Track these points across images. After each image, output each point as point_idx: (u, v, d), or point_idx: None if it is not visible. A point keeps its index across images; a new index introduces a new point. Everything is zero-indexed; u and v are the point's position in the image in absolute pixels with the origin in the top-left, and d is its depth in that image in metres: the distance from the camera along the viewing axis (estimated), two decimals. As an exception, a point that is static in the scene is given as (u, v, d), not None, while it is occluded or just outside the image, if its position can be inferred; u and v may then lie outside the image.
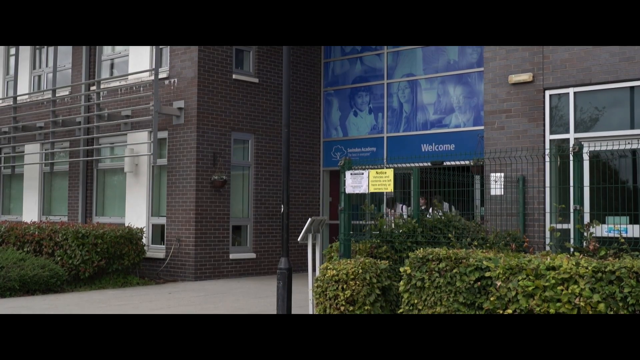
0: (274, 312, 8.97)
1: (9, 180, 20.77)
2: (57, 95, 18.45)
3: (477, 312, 6.52)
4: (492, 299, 6.35)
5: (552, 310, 5.97)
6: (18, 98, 19.73)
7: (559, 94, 11.28)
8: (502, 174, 10.94)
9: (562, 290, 5.99)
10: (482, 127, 13.50)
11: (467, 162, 11.87)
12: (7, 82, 20.97)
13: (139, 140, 16.27)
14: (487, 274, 6.46)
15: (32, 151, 19.29)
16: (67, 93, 18.49)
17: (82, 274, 14.02)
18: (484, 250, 7.21)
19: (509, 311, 6.21)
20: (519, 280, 6.20)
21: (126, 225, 15.70)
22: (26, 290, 12.97)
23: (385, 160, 14.48)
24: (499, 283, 6.34)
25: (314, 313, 8.88)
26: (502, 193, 11.09)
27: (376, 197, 10.88)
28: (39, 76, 20.19)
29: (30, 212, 19.32)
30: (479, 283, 6.55)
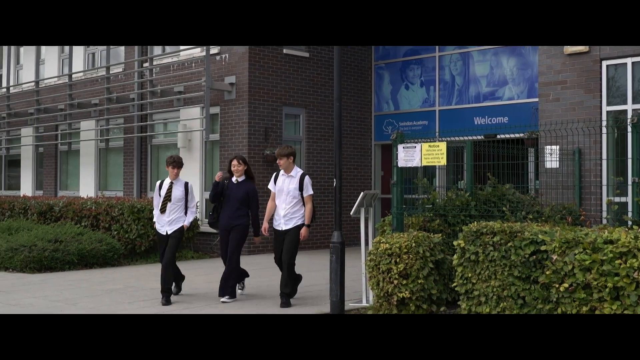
0: (327, 285, 9.00)
1: (66, 156, 21.19)
2: (111, 72, 18.70)
3: (532, 286, 6.46)
4: (547, 272, 6.28)
5: (609, 285, 5.88)
6: (73, 75, 20.05)
7: (615, 64, 11.02)
8: (558, 147, 10.75)
9: (620, 264, 5.89)
10: (536, 99, 13.29)
11: (521, 135, 11.69)
12: (63, 60, 21.31)
13: (192, 116, 16.42)
14: (543, 248, 6.38)
15: (88, 128, 19.63)
16: (120, 70, 18.73)
17: (138, 248, 14.28)
18: (539, 224, 7.11)
19: (565, 285, 6.13)
20: (575, 254, 6.11)
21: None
22: (84, 264, 13.27)
23: (437, 134, 14.35)
24: (555, 257, 6.25)
25: (367, 286, 8.89)
26: (558, 166, 10.91)
27: (429, 171, 10.80)
28: (93, 54, 20.47)
29: (86, 187, 19.69)
30: (534, 257, 6.47)
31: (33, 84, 21.72)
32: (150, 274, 12.17)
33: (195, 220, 14.94)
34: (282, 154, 9.31)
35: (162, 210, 9.66)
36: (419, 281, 7.44)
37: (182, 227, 9.70)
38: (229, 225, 9.58)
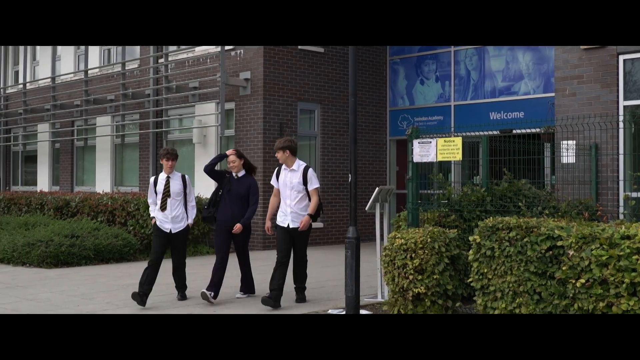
0: (342, 280, 9.00)
1: (82, 152, 21.30)
2: (126, 68, 18.78)
3: (549, 282, 6.43)
4: (564, 268, 6.24)
5: (626, 280, 5.84)
6: (89, 71, 20.15)
7: (632, 59, 10.94)
8: (574, 142, 10.69)
9: (637, 259, 5.85)
10: (552, 94, 13.21)
11: (537, 130, 11.64)
12: (78, 56, 21.41)
13: (207, 112, 16.46)
14: (559, 243, 6.34)
15: (104, 123, 19.72)
16: (136, 66, 18.79)
17: (191, 229, 14.32)
18: (556, 219, 7.07)
19: (582, 281, 6.10)
20: (592, 250, 6.07)
21: (195, 195, 15.93)
22: (100, 259, 13.34)
23: (452, 129, 14.31)
24: (571, 252, 6.22)
25: (383, 282, 8.89)
26: (574, 161, 10.84)
27: (444, 166, 10.77)
28: (109, 50, 20.55)
29: (102, 183, 19.80)
30: (550, 252, 6.44)
31: (49, 80, 21.84)
32: (165, 269, 12.19)
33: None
34: (278, 147, 8.94)
35: (163, 207, 9.13)
36: (435, 276, 7.42)
37: (188, 226, 9.31)
38: (232, 223, 9.19)
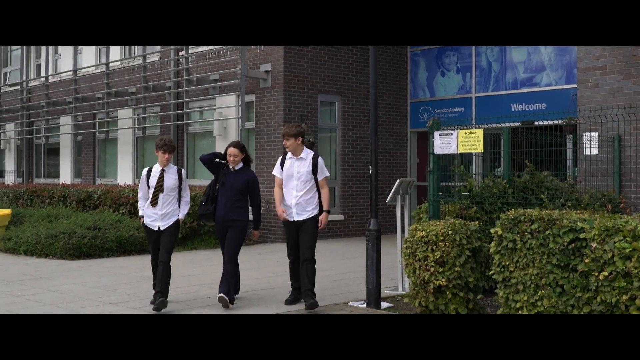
0: (363, 273, 9.01)
1: (104, 144, 21.43)
2: (147, 61, 18.85)
3: (571, 274, 6.39)
4: (587, 260, 6.20)
5: (650, 273, 5.80)
6: (110, 64, 20.25)
7: (657, 49, 10.82)
8: (597, 133, 10.61)
9: (661, 252, 5.80)
10: (574, 85, 13.12)
11: (559, 122, 11.56)
12: (100, 49, 21.53)
13: (227, 104, 16.49)
14: (582, 236, 6.30)
15: (125, 116, 19.83)
16: (156, 59, 18.86)
17: (182, 227, 14.37)
18: (578, 211, 7.02)
19: (605, 273, 6.06)
20: (615, 242, 6.03)
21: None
22: (122, 251, 13.43)
23: (473, 121, 14.24)
24: (594, 245, 6.17)
25: (404, 274, 8.88)
26: (597, 153, 10.76)
27: (465, 158, 10.73)
28: (130, 42, 20.64)
29: (124, 175, 19.91)
30: (573, 245, 6.39)
31: (71, 73, 21.97)
32: (187, 261, 12.28)
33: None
34: (289, 133, 8.22)
35: (154, 202, 8.32)
36: (456, 269, 7.40)
37: (177, 221, 8.43)
38: (226, 219, 8.38)
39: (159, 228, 8.34)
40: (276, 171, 8.46)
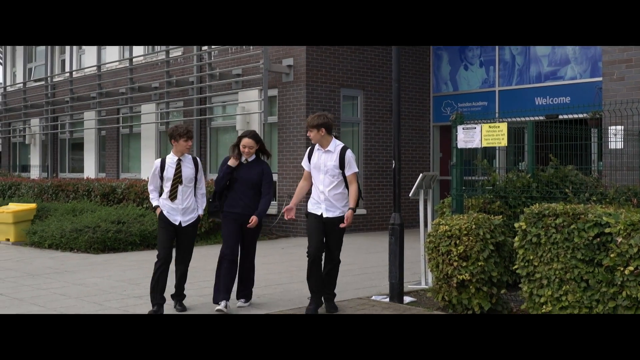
0: (385, 267, 8.99)
1: (128, 139, 21.56)
2: (170, 56, 18.92)
3: (596, 269, 6.34)
4: (612, 255, 6.15)
5: (677, 268, 5.75)
6: (134, 60, 20.36)
7: (684, 42, 10.68)
8: (622, 127, 10.48)
9: (688, 246, 5.75)
10: (599, 79, 12.99)
11: (584, 115, 11.44)
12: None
13: (250, 99, 16.52)
14: (607, 230, 6.24)
15: (148, 111, 19.94)
16: (180, 54, 18.93)
17: (198, 229, 14.45)
18: (603, 206, 6.96)
19: (630, 268, 6.00)
20: (641, 237, 5.98)
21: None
22: (146, 245, 13.51)
23: (497, 114, 14.16)
24: (619, 239, 6.12)
25: (427, 268, 8.86)
26: (622, 146, 10.64)
27: (488, 152, 10.66)
28: (153, 38, 20.73)
29: (148, 169, 19.99)
30: (598, 239, 6.34)
31: (95, 68, 22.12)
32: (210, 255, 12.32)
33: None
34: (311, 124, 7.55)
35: (174, 196, 7.70)
36: (479, 263, 7.37)
37: (199, 217, 7.94)
38: (242, 216, 7.80)
39: (180, 223, 7.74)
40: (303, 163, 7.81)
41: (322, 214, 7.54)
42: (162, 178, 7.79)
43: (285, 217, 7.73)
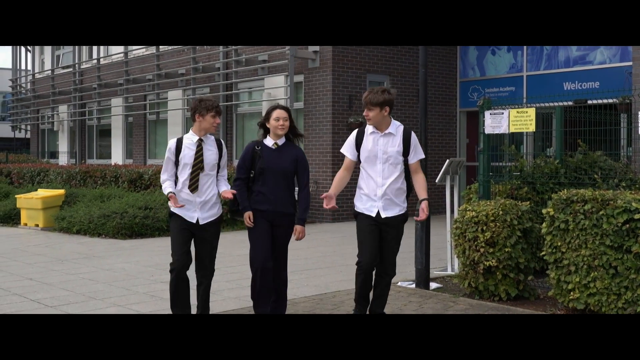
0: (411, 253, 8.96)
1: (154, 125, 21.69)
2: (196, 42, 18.96)
3: (625, 256, 6.28)
4: (641, 242, 6.09)
5: None
6: (160, 46, 20.42)
7: None
8: (652, 112, 10.35)
9: None
10: (629, 63, 12.82)
11: (613, 100, 11.31)
12: (150, 30, 21.73)
13: (276, 85, 16.52)
14: (637, 216, 6.18)
15: (175, 97, 20.01)
16: (206, 40, 18.95)
17: (225, 215, 14.49)
18: (633, 192, 6.89)
19: (660, 255, 5.95)
20: (671, 223, 5.92)
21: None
22: (173, 231, 13.57)
23: (525, 100, 14.03)
24: (649, 225, 6.06)
25: (453, 255, 8.82)
26: (652, 132, 10.50)
27: (516, 138, 10.57)
28: (179, 24, 20.78)
29: (174, 156, 20.11)
30: (627, 225, 6.27)
31: (122, 55, 22.25)
32: (236, 241, 12.37)
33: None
34: (374, 101, 5.98)
35: (194, 187, 6.13)
36: (506, 249, 7.33)
37: (221, 215, 6.39)
38: (274, 214, 6.22)
39: (197, 221, 6.20)
40: (347, 150, 6.28)
41: (378, 212, 6.12)
42: (176, 163, 6.16)
43: (325, 206, 6.12)
